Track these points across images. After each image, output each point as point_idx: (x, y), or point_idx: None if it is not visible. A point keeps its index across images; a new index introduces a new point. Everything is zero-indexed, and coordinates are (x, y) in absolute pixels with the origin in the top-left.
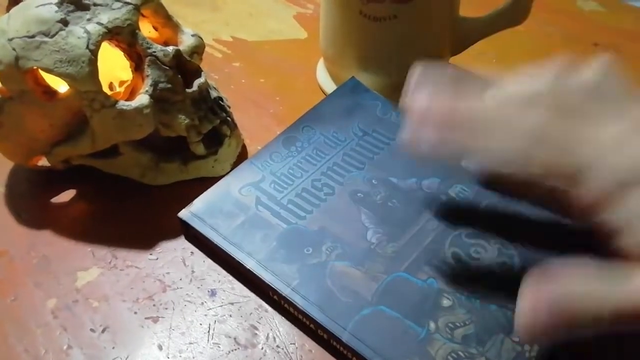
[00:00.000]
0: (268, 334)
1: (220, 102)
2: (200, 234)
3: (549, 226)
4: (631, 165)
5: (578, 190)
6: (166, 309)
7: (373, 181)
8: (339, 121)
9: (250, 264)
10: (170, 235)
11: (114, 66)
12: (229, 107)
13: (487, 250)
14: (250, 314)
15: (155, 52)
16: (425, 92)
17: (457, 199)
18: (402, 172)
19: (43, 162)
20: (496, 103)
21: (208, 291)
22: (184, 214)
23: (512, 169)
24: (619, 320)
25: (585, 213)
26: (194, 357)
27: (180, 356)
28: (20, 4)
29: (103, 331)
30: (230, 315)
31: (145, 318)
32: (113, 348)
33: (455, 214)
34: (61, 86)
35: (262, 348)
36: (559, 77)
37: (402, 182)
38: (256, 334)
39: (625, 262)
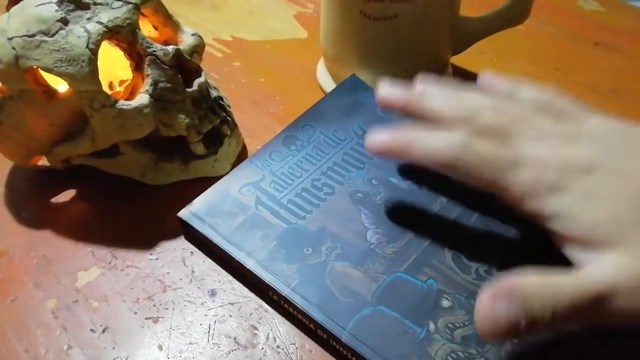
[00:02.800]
0: (268, 334)
1: (221, 101)
2: (200, 233)
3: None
4: (557, 165)
5: (506, 186)
6: (166, 309)
7: (373, 181)
8: (339, 120)
9: (250, 263)
10: (170, 235)
11: (114, 65)
12: (229, 107)
13: (487, 253)
14: (251, 314)
15: (155, 51)
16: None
17: (457, 200)
18: (403, 173)
19: (43, 161)
20: (447, 105)
21: (208, 291)
22: (183, 213)
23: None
24: (573, 311)
25: (515, 203)
26: (194, 357)
27: (180, 356)
28: (21, 3)
29: (103, 331)
30: (231, 316)
31: (146, 318)
32: (113, 348)
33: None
34: (61, 85)
35: (262, 348)
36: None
37: (402, 183)
38: (256, 334)
39: (562, 242)
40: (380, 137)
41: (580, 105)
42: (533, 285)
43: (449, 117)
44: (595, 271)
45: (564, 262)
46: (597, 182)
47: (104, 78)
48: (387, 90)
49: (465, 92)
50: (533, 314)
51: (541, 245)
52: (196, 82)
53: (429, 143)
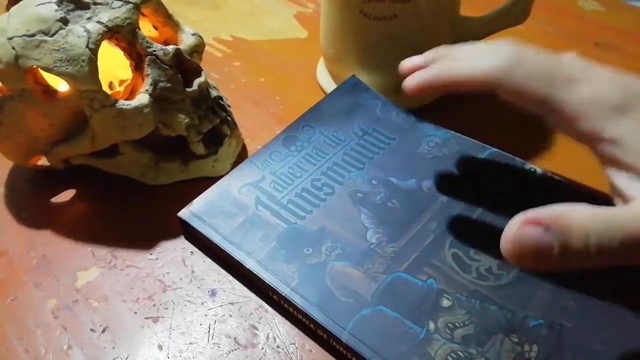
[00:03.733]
0: (268, 334)
1: (220, 101)
2: (200, 233)
3: None
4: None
5: (561, 102)
6: (166, 309)
7: (373, 181)
8: (339, 120)
9: (250, 263)
10: (170, 235)
11: (113, 65)
12: (229, 107)
13: (487, 252)
14: (251, 314)
15: (155, 51)
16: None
17: (457, 200)
18: (402, 173)
19: (43, 161)
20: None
21: (208, 291)
22: (183, 213)
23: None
24: (623, 246)
25: (567, 124)
26: (194, 357)
27: (180, 356)
28: (20, 3)
29: (103, 331)
30: (231, 315)
31: (145, 318)
32: (113, 348)
33: (455, 214)
34: (61, 85)
35: (262, 348)
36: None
37: (402, 183)
38: (256, 334)
39: (613, 167)
40: (419, 74)
41: None
42: (583, 217)
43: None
44: None
45: None
46: None
47: (104, 78)
48: (408, 62)
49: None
50: (571, 244)
51: None
52: (196, 82)
53: (473, 61)
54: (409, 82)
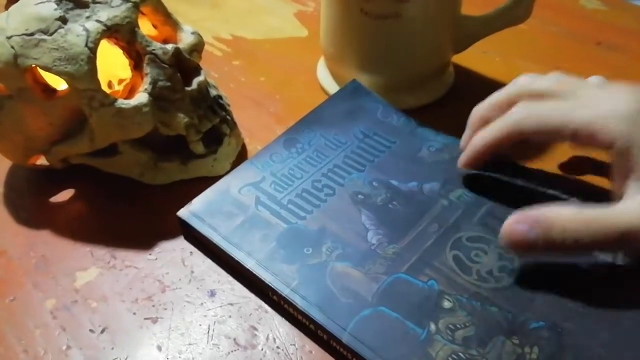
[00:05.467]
0: (268, 335)
1: (220, 100)
2: (200, 233)
3: None
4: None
5: (576, 127)
6: (165, 309)
7: (374, 183)
8: (340, 123)
9: (249, 264)
10: (170, 235)
11: (113, 64)
12: (229, 106)
13: (487, 254)
14: (250, 314)
15: (154, 50)
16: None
17: (457, 202)
18: (403, 175)
19: (42, 161)
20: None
21: (207, 292)
22: (183, 213)
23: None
24: (596, 242)
25: (588, 142)
26: (193, 358)
27: (179, 357)
28: (20, 2)
29: (102, 332)
30: (230, 316)
31: (145, 318)
32: (112, 348)
33: (456, 217)
34: (60, 84)
35: (262, 349)
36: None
37: (403, 185)
38: (256, 334)
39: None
40: (463, 155)
41: None
42: (564, 216)
43: (508, 100)
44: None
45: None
46: None
47: (103, 77)
48: (463, 141)
49: (516, 80)
50: (552, 238)
51: None
52: (195, 81)
53: (496, 126)
54: (462, 162)
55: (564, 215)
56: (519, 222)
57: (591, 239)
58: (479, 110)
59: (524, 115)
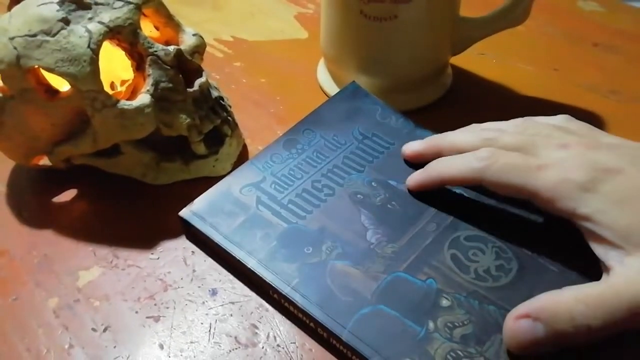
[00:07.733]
0: (269, 333)
1: (221, 101)
2: (201, 233)
3: (547, 229)
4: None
5: (536, 189)
6: (167, 308)
7: (373, 183)
8: (339, 125)
9: (250, 263)
10: (171, 234)
11: (115, 65)
12: (230, 107)
13: (485, 253)
14: (251, 313)
15: (156, 51)
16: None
17: (456, 201)
18: (402, 176)
19: (44, 161)
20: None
21: (209, 290)
22: (185, 212)
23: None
24: (610, 323)
25: (547, 206)
26: (195, 356)
27: (181, 355)
28: (22, 3)
29: (104, 330)
30: (231, 315)
31: (147, 317)
32: (114, 347)
33: (454, 216)
34: (63, 85)
35: (263, 347)
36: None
37: (401, 185)
38: (257, 333)
39: (594, 242)
40: (415, 175)
41: (592, 127)
42: (567, 302)
43: (472, 145)
44: (629, 273)
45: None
46: (625, 184)
47: (106, 78)
48: (410, 145)
49: (482, 125)
50: (560, 329)
51: (541, 244)
52: (197, 82)
53: (457, 163)
54: (410, 184)
55: (567, 301)
56: (520, 317)
57: (602, 321)
58: (444, 142)
59: (487, 164)
